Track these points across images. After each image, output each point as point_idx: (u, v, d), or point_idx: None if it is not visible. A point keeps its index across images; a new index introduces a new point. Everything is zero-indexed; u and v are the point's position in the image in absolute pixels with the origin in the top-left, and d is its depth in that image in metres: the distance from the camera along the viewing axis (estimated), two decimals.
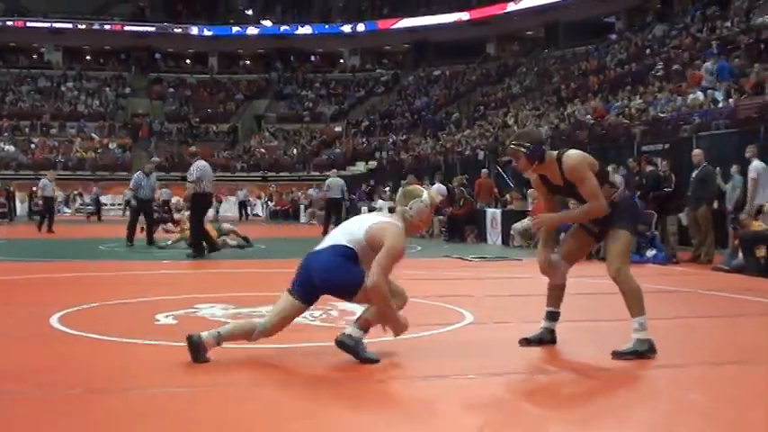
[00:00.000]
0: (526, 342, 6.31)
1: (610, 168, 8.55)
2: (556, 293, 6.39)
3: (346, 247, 5.78)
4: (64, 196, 43.86)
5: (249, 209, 45.82)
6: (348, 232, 5.89)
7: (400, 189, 6.41)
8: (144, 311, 8.06)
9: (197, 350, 5.55)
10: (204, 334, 5.63)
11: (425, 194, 6.04)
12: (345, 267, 5.72)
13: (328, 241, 5.93)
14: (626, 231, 5.97)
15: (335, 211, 25.14)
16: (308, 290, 5.82)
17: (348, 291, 5.77)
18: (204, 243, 15.86)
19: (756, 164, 14.52)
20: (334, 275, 5.73)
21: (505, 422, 4.42)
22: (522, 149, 5.98)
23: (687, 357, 6.04)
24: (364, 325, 5.70)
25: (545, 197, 6.38)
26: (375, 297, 5.68)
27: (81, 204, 46.85)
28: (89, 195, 44.83)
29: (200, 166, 15.85)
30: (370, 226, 5.82)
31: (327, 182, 25.56)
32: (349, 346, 5.59)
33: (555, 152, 6.09)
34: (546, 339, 6.33)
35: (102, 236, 22.34)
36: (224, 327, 5.88)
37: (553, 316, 6.37)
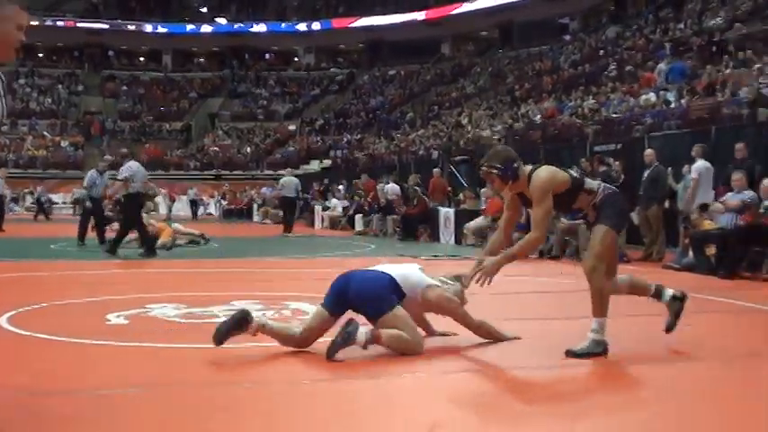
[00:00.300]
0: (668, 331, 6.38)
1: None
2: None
3: (399, 286, 5.94)
4: (11, 195, 43.28)
5: (203, 208, 45.62)
6: (404, 276, 6.03)
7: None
8: (95, 311, 7.98)
9: (237, 325, 5.69)
10: (256, 314, 5.83)
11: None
12: (384, 292, 5.88)
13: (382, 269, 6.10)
14: (605, 226, 5.95)
15: (290, 210, 25.15)
16: (338, 300, 5.94)
17: (375, 308, 5.80)
18: (117, 240, 15.94)
19: (699, 164, 14.67)
20: (370, 289, 5.86)
21: (457, 419, 4.42)
22: (494, 171, 6.00)
23: (638, 355, 6.08)
24: (374, 338, 5.67)
25: (513, 212, 6.37)
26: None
27: (32, 203, 46.36)
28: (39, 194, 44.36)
29: (131, 166, 15.87)
30: (430, 285, 6.06)
31: (282, 181, 25.52)
32: (347, 332, 5.59)
33: (529, 168, 6.08)
34: (673, 312, 6.38)
35: (54, 235, 22.10)
36: (270, 321, 6.07)
37: (657, 292, 6.41)
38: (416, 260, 15.13)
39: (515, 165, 6.01)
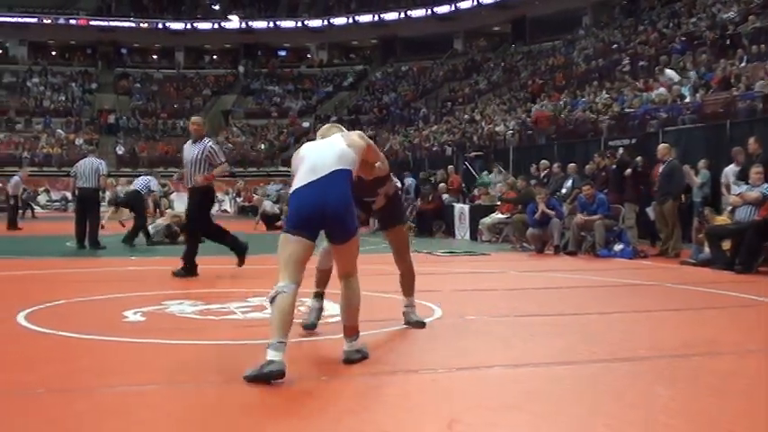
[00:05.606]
0: None
1: None
2: None
3: (349, 171, 5.62)
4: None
5: (217, 204, 45.74)
6: (338, 157, 5.61)
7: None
8: (112, 308, 8.00)
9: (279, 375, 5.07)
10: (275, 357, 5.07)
11: None
12: (353, 212, 5.58)
13: (325, 170, 5.53)
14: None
15: None
16: (315, 226, 5.48)
17: (348, 233, 5.57)
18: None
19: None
20: (347, 215, 5.52)
21: (475, 415, 4.41)
22: None
23: (654, 350, 6.07)
24: (352, 333, 5.66)
25: None
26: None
27: (48, 201, 46.46)
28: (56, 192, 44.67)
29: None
30: (350, 140, 5.79)
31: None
32: (358, 359, 5.59)
33: None
34: None
35: (69, 233, 22.10)
36: (271, 331, 5.18)
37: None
38: (433, 255, 15.15)
39: None
